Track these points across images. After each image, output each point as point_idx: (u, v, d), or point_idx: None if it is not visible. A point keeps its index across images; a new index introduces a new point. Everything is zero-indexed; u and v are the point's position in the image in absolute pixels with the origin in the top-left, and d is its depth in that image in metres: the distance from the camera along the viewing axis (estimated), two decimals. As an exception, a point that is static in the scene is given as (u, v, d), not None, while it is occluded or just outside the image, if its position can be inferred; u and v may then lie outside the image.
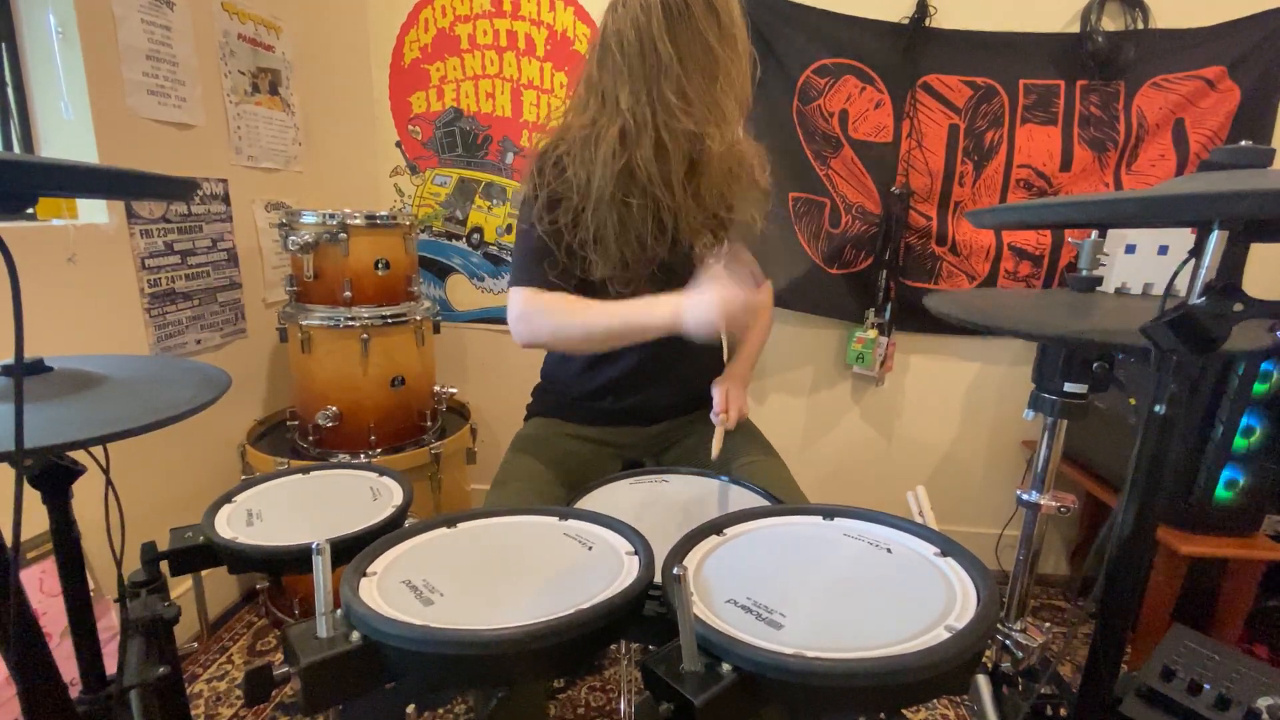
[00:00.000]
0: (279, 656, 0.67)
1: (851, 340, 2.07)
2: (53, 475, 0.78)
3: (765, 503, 0.94)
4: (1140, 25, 1.81)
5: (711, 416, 1.09)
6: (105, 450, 0.68)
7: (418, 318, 1.79)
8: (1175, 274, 0.62)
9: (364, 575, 0.68)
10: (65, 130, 1.39)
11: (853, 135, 1.94)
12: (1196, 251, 0.58)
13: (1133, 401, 1.64)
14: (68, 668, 0.71)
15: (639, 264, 1.08)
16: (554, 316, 1.05)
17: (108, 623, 1.36)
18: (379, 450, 1.77)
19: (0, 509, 0.57)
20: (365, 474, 1.07)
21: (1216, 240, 0.56)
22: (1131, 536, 0.67)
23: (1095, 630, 0.72)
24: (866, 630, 0.58)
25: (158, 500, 1.58)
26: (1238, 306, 0.56)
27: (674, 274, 1.09)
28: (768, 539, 0.76)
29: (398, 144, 2.20)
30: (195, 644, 1.69)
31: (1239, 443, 1.45)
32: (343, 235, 1.66)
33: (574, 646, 0.59)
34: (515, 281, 1.10)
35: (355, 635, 0.59)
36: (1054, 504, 0.89)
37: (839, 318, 2.09)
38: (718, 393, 1.11)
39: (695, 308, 0.91)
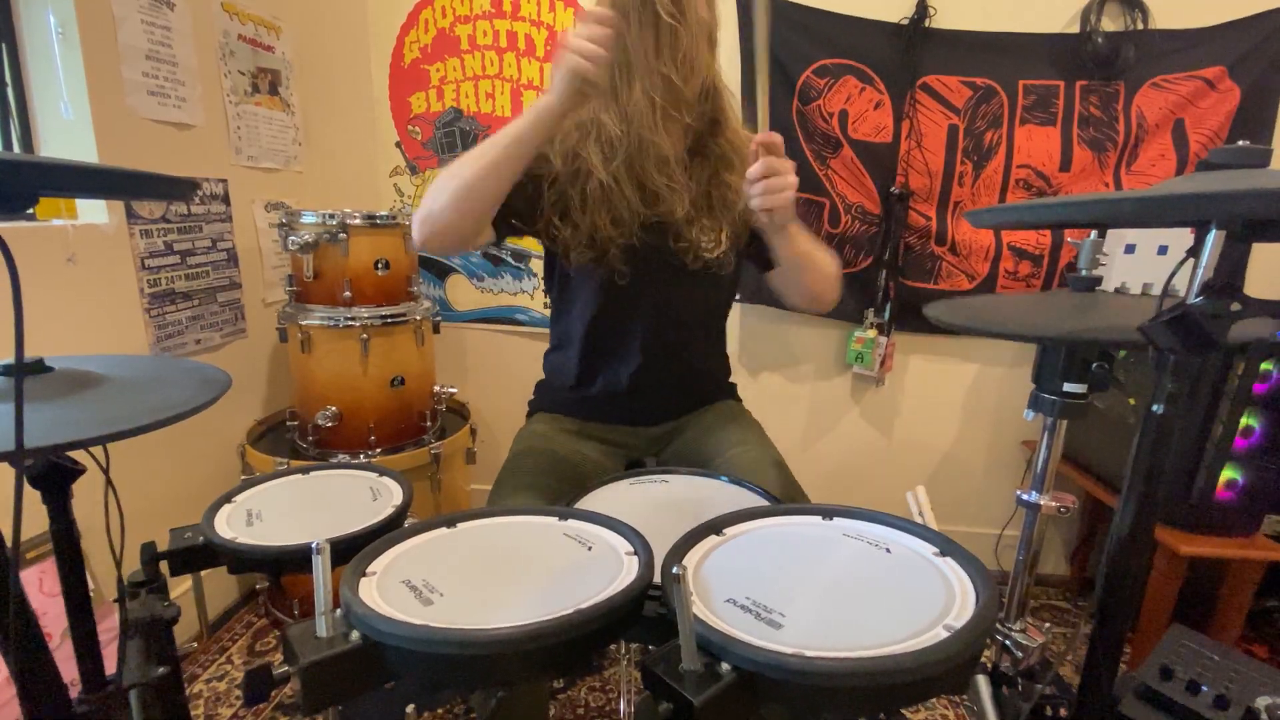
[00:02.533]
0: (279, 656, 0.67)
1: (851, 340, 2.07)
2: (53, 475, 0.79)
3: (765, 502, 0.94)
4: (1140, 25, 1.81)
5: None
6: (105, 450, 0.69)
7: (417, 318, 1.79)
8: (1173, 274, 0.62)
9: (364, 575, 0.68)
10: (65, 130, 1.39)
11: (852, 135, 1.94)
12: (1195, 251, 0.58)
13: (1133, 401, 1.64)
14: (68, 668, 0.71)
15: (607, 241, 1.07)
16: (440, 182, 0.99)
17: (108, 623, 1.36)
18: (379, 450, 1.77)
19: (0, 509, 0.57)
20: (365, 474, 1.07)
21: (1214, 240, 0.56)
22: (1131, 536, 0.67)
23: (1095, 630, 0.72)
24: (866, 630, 0.58)
25: (158, 500, 1.58)
26: (1235, 306, 0.56)
27: (651, 258, 1.10)
28: (767, 539, 0.76)
29: (398, 144, 2.20)
30: (195, 644, 1.69)
31: (1239, 443, 1.45)
32: (342, 235, 1.66)
33: (574, 646, 0.59)
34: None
35: (355, 635, 0.59)
36: (1054, 504, 0.89)
37: (838, 318, 2.09)
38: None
39: (555, 80, 0.90)
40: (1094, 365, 0.80)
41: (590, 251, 1.08)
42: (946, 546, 0.71)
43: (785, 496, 1.00)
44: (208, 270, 1.70)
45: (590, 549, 0.74)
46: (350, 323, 1.68)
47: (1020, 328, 0.83)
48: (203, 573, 0.92)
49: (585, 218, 1.07)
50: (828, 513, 0.80)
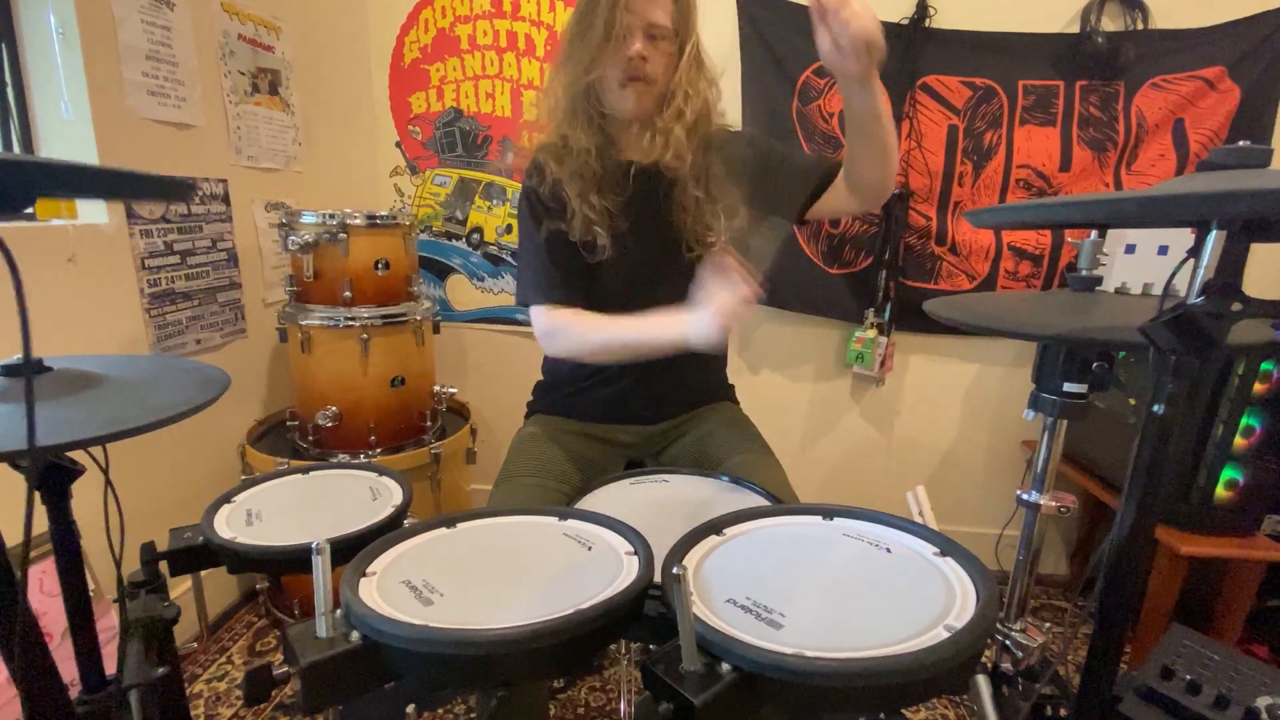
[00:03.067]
0: (279, 656, 0.67)
1: (851, 340, 2.07)
2: (52, 475, 0.78)
3: (765, 502, 0.94)
4: (1140, 25, 1.81)
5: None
6: (105, 450, 0.68)
7: (417, 318, 1.79)
8: (1174, 274, 0.62)
9: (364, 575, 0.68)
10: (65, 130, 1.39)
11: (853, 135, 1.94)
12: (1195, 251, 0.58)
13: (1133, 401, 1.64)
14: (68, 668, 0.71)
15: (598, 211, 1.10)
16: (575, 335, 1.09)
17: (108, 623, 1.36)
18: (379, 450, 1.77)
19: (1, 509, 0.57)
20: (365, 474, 1.07)
21: (1215, 240, 0.56)
22: (1131, 537, 0.67)
23: (1095, 630, 0.72)
24: (866, 630, 0.58)
25: (158, 500, 1.58)
26: (1236, 306, 0.56)
27: (651, 254, 1.13)
28: (767, 539, 0.76)
29: (398, 144, 2.20)
30: (195, 644, 1.69)
31: (1239, 443, 1.45)
32: (342, 235, 1.66)
33: (574, 646, 0.59)
34: (531, 300, 1.13)
35: (355, 635, 0.59)
36: (1054, 504, 0.89)
37: (839, 318, 2.09)
38: None
39: (698, 326, 0.92)
40: (1094, 365, 0.80)
41: (584, 228, 1.10)
42: (947, 546, 0.71)
43: None
44: (208, 270, 1.70)
45: (590, 549, 0.74)
46: (350, 323, 1.68)
47: (1020, 327, 0.82)
48: (203, 573, 0.92)
49: (579, 196, 1.09)
50: (828, 513, 0.80)
